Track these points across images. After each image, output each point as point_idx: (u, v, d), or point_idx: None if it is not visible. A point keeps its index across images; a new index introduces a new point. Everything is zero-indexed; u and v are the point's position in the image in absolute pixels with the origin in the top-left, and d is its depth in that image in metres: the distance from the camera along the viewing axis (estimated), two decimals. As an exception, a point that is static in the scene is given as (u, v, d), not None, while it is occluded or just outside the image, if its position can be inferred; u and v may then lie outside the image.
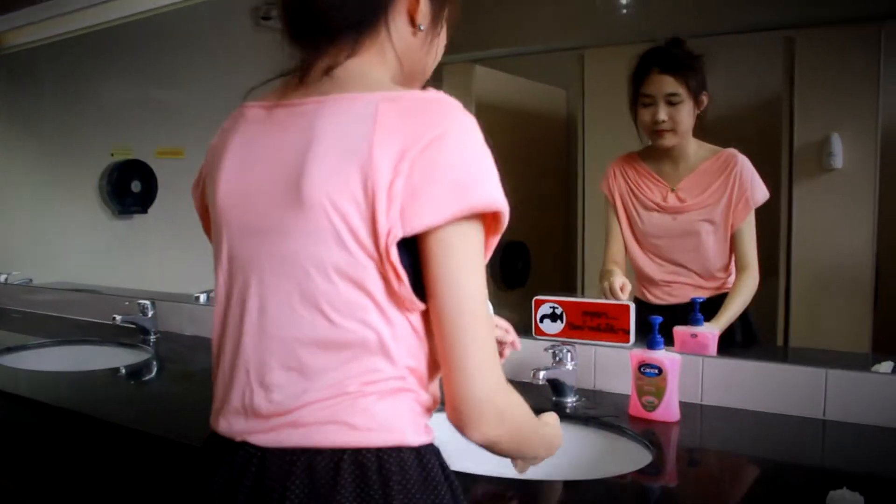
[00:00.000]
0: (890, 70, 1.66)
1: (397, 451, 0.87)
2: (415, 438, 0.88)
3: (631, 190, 1.87)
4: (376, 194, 0.81)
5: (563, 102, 2.20)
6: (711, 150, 1.78)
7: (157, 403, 1.72)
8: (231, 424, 0.93)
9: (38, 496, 1.73)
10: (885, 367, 1.46)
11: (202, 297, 2.47)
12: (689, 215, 1.78)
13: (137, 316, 2.37)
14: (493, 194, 0.83)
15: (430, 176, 0.81)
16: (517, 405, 0.92)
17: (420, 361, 0.91)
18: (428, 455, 0.89)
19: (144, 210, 3.07)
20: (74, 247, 3.17)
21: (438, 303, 0.85)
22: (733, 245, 1.76)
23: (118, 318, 2.32)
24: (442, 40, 1.02)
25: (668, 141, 1.77)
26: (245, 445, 0.91)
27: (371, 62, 0.93)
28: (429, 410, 0.93)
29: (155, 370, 2.09)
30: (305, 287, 0.87)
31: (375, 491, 0.84)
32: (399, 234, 0.82)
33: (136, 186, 3.05)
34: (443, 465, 0.91)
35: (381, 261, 0.84)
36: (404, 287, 0.85)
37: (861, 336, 1.72)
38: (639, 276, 1.85)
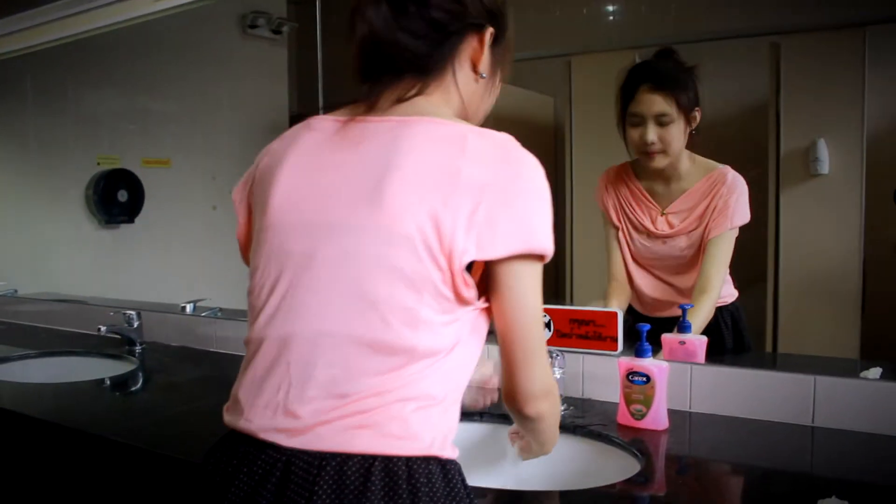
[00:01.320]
0: (874, 75, 1.67)
1: (426, 462, 0.90)
2: (443, 452, 0.92)
3: (623, 209, 1.83)
4: (458, 216, 0.89)
5: (550, 109, 2.20)
6: (706, 167, 1.73)
7: (143, 415, 1.70)
8: (255, 421, 0.94)
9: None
10: (874, 373, 1.46)
11: (189, 308, 2.45)
12: (678, 240, 1.76)
13: (123, 327, 2.34)
14: (549, 243, 0.95)
15: (507, 213, 0.91)
16: (555, 383, 1.05)
17: (455, 384, 0.97)
18: (452, 471, 0.93)
19: (131, 220, 3.06)
20: (60, 257, 3.15)
21: (507, 317, 0.96)
22: (701, 259, 1.71)
23: (103, 328, 2.29)
24: (497, 88, 1.11)
25: (659, 163, 1.73)
26: (270, 447, 0.91)
27: (437, 101, 1.02)
28: (452, 431, 0.97)
29: (141, 381, 2.06)
30: (366, 287, 0.91)
31: (404, 500, 0.86)
32: (473, 256, 0.90)
33: (122, 196, 3.04)
34: (464, 482, 0.94)
35: (450, 274, 0.91)
36: (472, 290, 0.93)
37: (849, 341, 1.73)
38: (635, 291, 1.84)
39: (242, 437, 0.95)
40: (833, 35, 1.76)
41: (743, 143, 1.86)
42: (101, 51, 2.99)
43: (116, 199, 3.03)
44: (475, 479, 1.19)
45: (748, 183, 1.70)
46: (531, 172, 0.95)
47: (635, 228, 1.81)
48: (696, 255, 1.73)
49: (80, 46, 2.93)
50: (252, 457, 0.92)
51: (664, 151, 1.71)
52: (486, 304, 0.97)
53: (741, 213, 1.68)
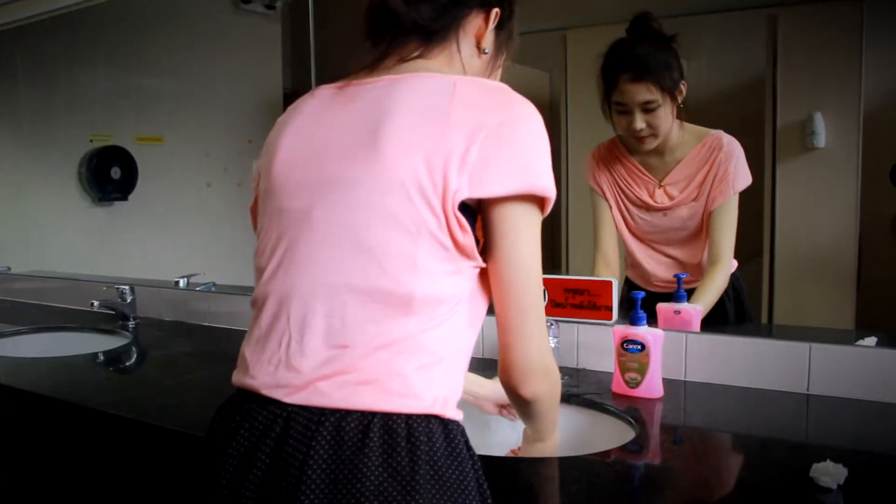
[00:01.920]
0: (872, 48, 1.65)
1: (426, 421, 0.89)
2: (445, 411, 0.91)
3: (619, 185, 1.81)
4: (451, 157, 0.89)
5: (546, 85, 2.18)
6: (698, 134, 1.71)
7: (137, 388, 1.70)
8: (259, 378, 0.94)
9: (17, 484, 1.71)
10: (869, 341, 1.46)
11: (182, 283, 2.44)
12: (680, 210, 1.74)
13: (116, 301, 2.33)
14: (550, 183, 0.94)
15: (502, 152, 0.90)
16: (555, 364, 1.03)
17: (458, 346, 0.96)
18: (454, 431, 0.92)
19: (125, 197, 3.04)
20: (53, 235, 3.13)
21: (501, 268, 0.95)
22: (707, 230, 1.70)
23: (96, 303, 2.28)
24: (499, 70, 1.12)
25: (650, 145, 1.71)
26: (272, 403, 0.91)
27: (439, 65, 1.03)
28: (456, 394, 0.96)
29: (134, 355, 2.06)
30: (362, 236, 0.91)
31: (402, 458, 0.85)
32: (466, 194, 0.89)
33: (115, 173, 3.02)
34: (467, 443, 0.93)
35: (444, 216, 0.90)
36: (468, 236, 0.91)
37: (844, 315, 1.73)
38: (636, 267, 1.82)
39: (248, 395, 0.95)
40: (831, 7, 1.75)
41: (740, 117, 1.85)
42: (92, 27, 2.97)
43: (110, 176, 3.01)
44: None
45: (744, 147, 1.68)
46: (528, 115, 0.95)
47: (633, 203, 1.79)
48: (699, 227, 1.72)
49: (72, 22, 2.90)
50: (254, 413, 0.92)
51: (654, 135, 1.69)
52: (480, 261, 0.96)
53: (742, 176, 1.67)
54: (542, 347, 0.98)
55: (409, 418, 0.88)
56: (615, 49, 1.73)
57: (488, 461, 1.14)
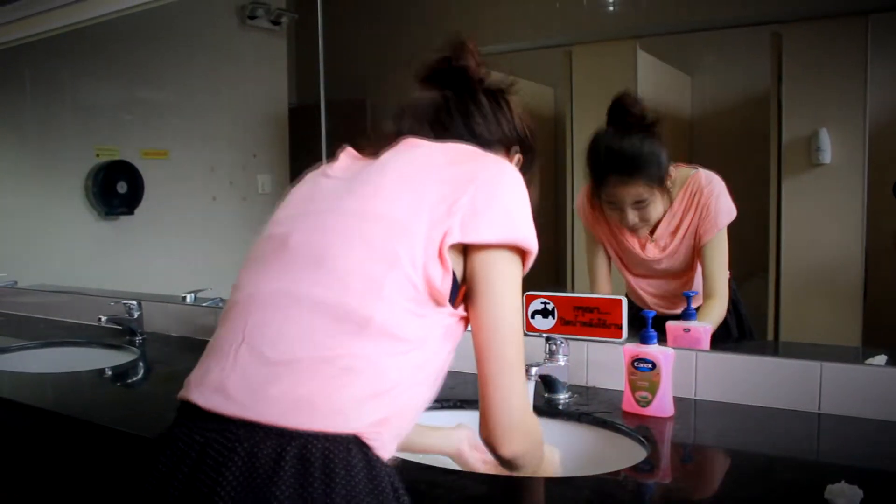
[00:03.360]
0: (877, 63, 1.66)
1: (345, 447, 0.85)
2: (370, 440, 0.88)
3: (612, 233, 1.81)
4: (440, 202, 0.94)
5: (551, 100, 2.19)
6: (682, 178, 1.71)
7: (144, 404, 1.70)
8: (195, 390, 0.93)
9: (21, 499, 1.70)
10: (879, 360, 1.45)
11: (189, 298, 2.44)
12: (671, 259, 1.74)
13: (123, 317, 2.33)
14: (533, 237, 0.98)
15: (490, 203, 0.95)
16: (538, 424, 1.03)
17: (409, 392, 0.94)
18: (380, 469, 0.88)
19: (131, 211, 3.05)
20: (60, 249, 3.13)
21: (480, 313, 0.96)
22: (701, 265, 1.70)
23: (103, 318, 2.28)
24: None
25: (642, 233, 1.73)
26: (199, 420, 0.89)
27: None
28: (394, 437, 0.93)
29: (142, 371, 2.06)
30: (334, 254, 0.94)
31: (316, 489, 0.82)
32: (458, 238, 0.92)
33: (122, 187, 3.03)
34: (396, 488, 0.89)
35: (424, 257, 0.91)
36: (447, 279, 0.93)
37: (851, 331, 1.72)
38: (635, 295, 1.82)
39: (187, 408, 0.94)
40: (835, 23, 1.75)
41: (745, 133, 1.86)
42: (99, 41, 2.98)
43: (116, 190, 3.02)
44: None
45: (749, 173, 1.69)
46: (512, 174, 1.01)
47: (626, 252, 1.80)
48: (693, 258, 1.72)
49: (79, 37, 2.92)
50: (178, 434, 0.91)
51: (646, 224, 1.71)
52: (463, 313, 0.98)
53: (725, 211, 1.67)
54: (522, 404, 0.98)
55: (328, 442, 0.84)
56: (600, 145, 1.72)
57: (497, 480, 1.15)
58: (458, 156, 1.01)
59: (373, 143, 1.09)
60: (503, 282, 0.96)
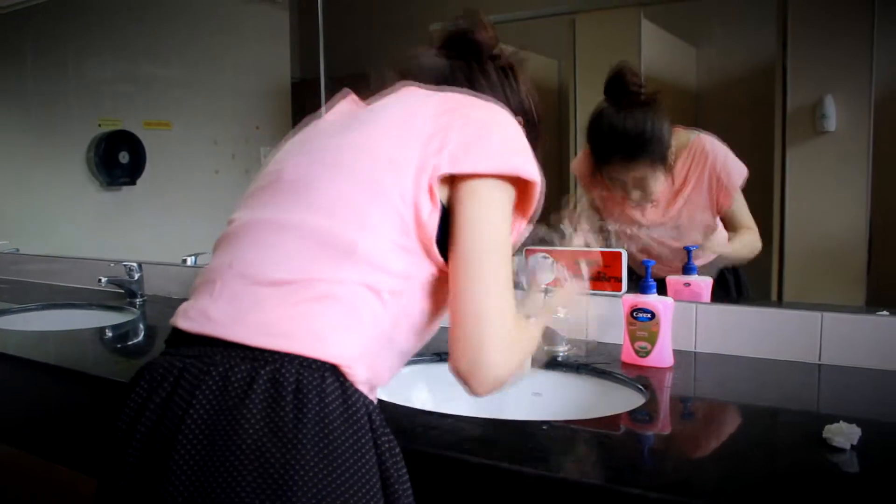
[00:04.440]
0: (883, 30, 1.64)
1: (320, 374, 0.83)
2: (348, 370, 0.86)
3: (612, 199, 1.78)
4: (432, 138, 0.92)
5: (554, 72, 2.17)
6: (684, 140, 1.69)
7: (142, 359, 1.69)
8: (182, 314, 0.94)
9: (23, 449, 1.71)
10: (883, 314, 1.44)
11: (190, 261, 2.44)
12: (672, 222, 1.72)
13: (124, 279, 2.33)
14: (528, 166, 0.94)
15: (479, 135, 0.93)
16: (519, 352, 0.93)
17: (391, 331, 0.92)
18: (357, 400, 0.85)
19: (133, 182, 3.04)
20: (62, 219, 3.13)
21: (460, 247, 0.91)
22: (727, 223, 1.69)
23: (104, 280, 2.28)
24: None
25: (644, 204, 1.71)
26: (184, 346, 0.90)
27: None
28: (373, 373, 0.91)
29: (142, 330, 2.06)
30: (319, 185, 0.94)
31: (287, 413, 0.80)
32: (446, 169, 0.90)
33: (123, 157, 3.02)
34: (373, 421, 0.86)
35: (414, 189, 0.90)
36: (435, 214, 0.90)
37: (855, 300, 1.71)
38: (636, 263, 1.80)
39: (174, 334, 0.96)
40: (842, -12, 1.74)
41: (750, 101, 1.84)
42: (101, 12, 2.98)
43: (118, 160, 3.01)
44: (479, 411, 1.19)
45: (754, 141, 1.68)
46: (505, 114, 1.00)
47: (625, 220, 1.77)
48: (695, 227, 1.71)
49: (80, 7, 2.91)
50: (158, 363, 0.91)
51: (649, 198, 1.69)
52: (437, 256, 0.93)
53: (737, 173, 1.66)
54: (499, 332, 0.88)
55: (303, 367, 0.83)
56: (602, 124, 1.68)
57: (502, 424, 1.14)
58: (454, 98, 1.00)
59: (374, 92, 1.08)
60: (483, 205, 0.91)
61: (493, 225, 0.91)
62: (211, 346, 0.87)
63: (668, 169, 1.67)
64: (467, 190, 0.92)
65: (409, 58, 1.15)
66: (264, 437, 0.78)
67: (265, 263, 0.90)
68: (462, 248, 0.90)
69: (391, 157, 0.92)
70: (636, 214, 1.74)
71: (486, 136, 0.94)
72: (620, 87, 1.65)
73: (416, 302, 0.94)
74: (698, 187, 1.68)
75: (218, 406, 0.81)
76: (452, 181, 0.93)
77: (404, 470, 0.88)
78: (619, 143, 1.64)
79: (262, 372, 0.82)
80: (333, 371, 0.85)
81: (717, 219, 1.71)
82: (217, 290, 0.91)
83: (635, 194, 1.67)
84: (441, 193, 0.92)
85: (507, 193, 0.94)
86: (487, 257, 0.89)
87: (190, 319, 0.91)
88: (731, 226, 1.69)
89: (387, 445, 0.86)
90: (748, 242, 1.67)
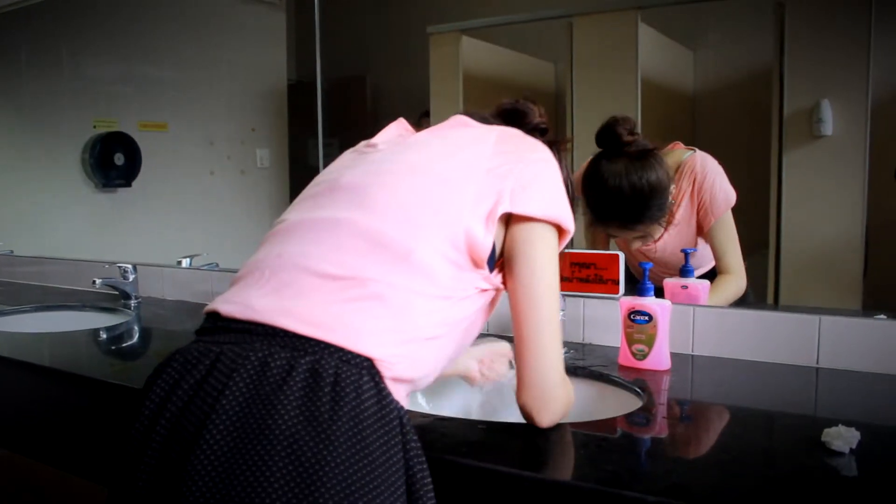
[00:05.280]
0: (880, 34, 1.64)
1: (357, 369, 0.85)
2: (383, 369, 0.88)
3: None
4: (491, 174, 0.98)
5: (551, 76, 2.17)
6: (675, 161, 1.66)
7: (137, 361, 1.69)
8: (228, 301, 0.95)
9: (17, 451, 1.70)
10: (879, 318, 1.44)
11: (185, 263, 2.43)
12: (667, 241, 1.70)
13: (118, 280, 2.32)
14: (570, 217, 1.04)
15: (536, 180, 1.01)
16: (571, 389, 1.07)
17: (433, 341, 0.95)
18: (390, 402, 0.86)
19: (128, 183, 3.03)
20: (57, 221, 3.12)
21: (518, 275, 1.00)
22: (711, 246, 1.66)
23: (98, 281, 2.27)
24: None
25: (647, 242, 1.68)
26: (208, 342, 0.90)
27: None
28: (408, 375, 0.92)
29: (137, 331, 2.04)
30: (379, 194, 0.97)
31: (323, 404, 0.81)
32: (507, 208, 0.97)
33: (119, 159, 3.01)
34: (404, 426, 0.87)
35: (471, 219, 0.95)
36: (488, 239, 0.96)
37: (851, 304, 1.71)
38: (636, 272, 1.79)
39: (206, 326, 0.97)
40: (838, -8, 1.74)
41: (747, 105, 1.84)
42: (96, 13, 2.97)
43: (113, 162, 3.00)
44: (476, 415, 1.18)
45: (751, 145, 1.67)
46: (552, 162, 1.07)
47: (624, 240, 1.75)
48: (691, 238, 1.70)
49: (76, 9, 2.90)
50: (191, 348, 0.92)
51: (647, 240, 1.67)
52: (499, 284, 1.01)
53: (723, 199, 1.64)
54: (558, 365, 1.01)
55: (342, 361, 0.84)
56: (598, 184, 1.57)
57: (499, 427, 1.14)
58: (509, 134, 1.07)
59: (422, 126, 1.14)
60: (542, 249, 1.00)
61: (551, 267, 1.01)
62: (250, 334, 0.88)
63: (669, 216, 1.62)
64: (530, 231, 1.00)
65: (465, 113, 1.19)
66: (299, 425, 0.79)
67: (317, 256, 0.92)
68: (527, 287, 0.99)
69: (453, 183, 0.97)
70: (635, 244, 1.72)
71: (543, 181, 1.02)
72: (613, 139, 1.57)
73: (460, 313, 0.97)
74: (689, 208, 1.67)
75: (255, 391, 0.82)
76: (508, 217, 1.00)
77: (429, 479, 0.89)
78: (617, 207, 1.58)
79: (302, 361, 0.83)
80: (370, 369, 0.86)
81: (705, 246, 1.68)
82: (265, 278, 0.93)
83: (635, 244, 1.66)
84: (494, 227, 0.97)
85: (555, 239, 1.03)
86: (548, 298, 1.00)
87: (232, 304, 0.92)
88: (717, 261, 1.66)
89: (415, 451, 0.87)
90: (731, 295, 1.63)
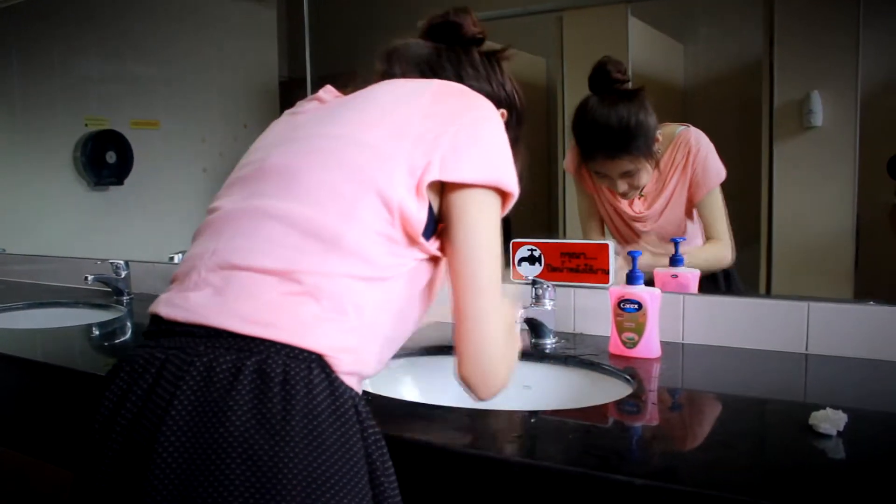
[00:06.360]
0: (870, 25, 1.65)
1: (307, 365, 0.83)
2: (334, 363, 0.85)
3: (600, 192, 1.79)
4: (421, 138, 0.93)
5: (542, 70, 2.17)
6: (670, 134, 1.69)
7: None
8: (163, 300, 0.93)
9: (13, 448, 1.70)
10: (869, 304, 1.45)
11: (177, 258, 2.43)
12: (659, 217, 1.72)
13: (110, 276, 2.32)
14: (512, 179, 0.98)
15: (472, 143, 0.95)
16: (512, 358, 1.01)
17: (378, 326, 0.92)
18: (343, 392, 0.85)
19: (120, 182, 3.02)
20: (49, 220, 3.11)
21: (455, 244, 0.95)
22: (700, 217, 1.69)
23: (89, 277, 2.27)
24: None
25: (631, 197, 1.71)
26: (162, 336, 0.88)
27: None
28: (359, 367, 0.90)
29: (129, 326, 2.04)
30: (307, 175, 0.93)
31: (275, 405, 0.79)
32: (436, 175, 0.92)
33: (111, 157, 3.00)
34: (360, 414, 0.85)
35: (403, 188, 0.90)
36: (423, 212, 0.92)
37: (842, 295, 1.71)
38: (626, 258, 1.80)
39: (152, 329, 0.94)
40: (828, -17, 1.75)
41: (737, 97, 1.84)
42: (87, 10, 2.96)
43: (105, 160, 2.99)
44: (467, 402, 1.18)
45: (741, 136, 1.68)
46: (494, 115, 1.01)
47: (615, 212, 1.78)
48: (681, 222, 1.71)
49: (66, 7, 2.89)
50: (138, 353, 0.90)
51: (636, 189, 1.69)
52: (436, 252, 0.97)
53: (714, 173, 1.66)
54: (498, 338, 0.95)
55: (290, 358, 0.82)
56: (585, 119, 1.67)
57: (490, 414, 1.14)
58: (444, 92, 1.00)
59: (357, 85, 1.08)
60: (477, 215, 0.95)
61: (490, 233, 0.95)
62: (193, 337, 0.86)
63: (655, 161, 1.66)
64: (465, 198, 0.95)
65: (395, 45, 1.15)
66: (252, 429, 0.77)
67: (251, 251, 0.89)
68: (464, 255, 0.94)
69: (383, 152, 0.92)
70: (623, 206, 1.74)
71: (477, 142, 0.96)
72: (604, 79, 1.65)
73: (402, 290, 0.94)
74: (681, 180, 1.68)
75: (203, 398, 0.80)
76: (442, 184, 0.95)
77: (390, 462, 0.88)
78: (603, 138, 1.64)
79: (248, 363, 0.81)
80: (319, 362, 0.84)
81: (695, 224, 1.70)
82: (201, 277, 0.90)
83: (622, 187, 1.67)
84: (429, 194, 0.93)
85: (496, 203, 0.98)
86: (486, 266, 0.94)
87: (173, 307, 0.90)
88: (705, 230, 1.69)
89: (373, 437, 0.86)
90: (710, 256, 1.66)
